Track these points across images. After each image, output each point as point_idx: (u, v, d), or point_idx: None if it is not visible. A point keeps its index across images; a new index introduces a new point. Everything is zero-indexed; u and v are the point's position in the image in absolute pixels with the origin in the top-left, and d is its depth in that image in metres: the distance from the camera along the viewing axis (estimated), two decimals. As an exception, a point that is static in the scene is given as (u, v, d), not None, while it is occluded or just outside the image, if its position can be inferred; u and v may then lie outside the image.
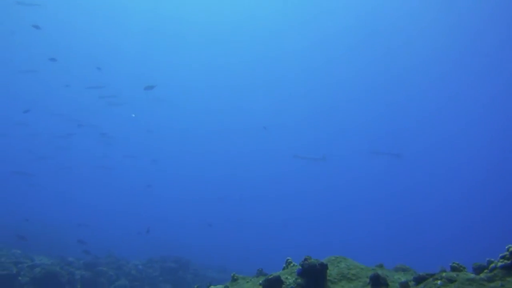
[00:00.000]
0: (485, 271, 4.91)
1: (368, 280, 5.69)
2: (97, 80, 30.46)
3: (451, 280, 4.89)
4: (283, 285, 6.00)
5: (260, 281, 6.16)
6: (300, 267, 5.97)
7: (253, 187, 43.09)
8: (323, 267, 5.81)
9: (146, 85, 20.68)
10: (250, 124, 46.48)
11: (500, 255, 4.77)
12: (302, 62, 50.05)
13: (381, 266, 7.14)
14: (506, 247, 4.72)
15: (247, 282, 7.32)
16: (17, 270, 15.60)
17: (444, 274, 5.04)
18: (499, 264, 4.71)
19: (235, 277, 7.77)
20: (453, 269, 5.36)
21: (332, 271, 6.22)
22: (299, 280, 5.92)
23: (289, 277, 6.28)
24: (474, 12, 42.18)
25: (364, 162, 42.11)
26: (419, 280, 5.33)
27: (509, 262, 4.63)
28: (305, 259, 5.99)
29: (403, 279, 6.34)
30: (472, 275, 4.92)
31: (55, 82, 36.97)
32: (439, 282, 4.95)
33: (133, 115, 41.79)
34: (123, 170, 36.89)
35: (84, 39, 44.52)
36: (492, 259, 4.89)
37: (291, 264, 7.47)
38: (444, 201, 46.01)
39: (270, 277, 6.14)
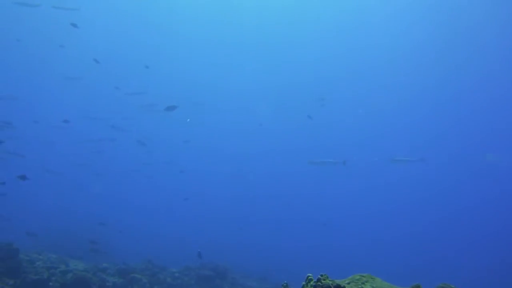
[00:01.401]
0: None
1: (396, 308, 4.58)
2: (139, 85, 30.78)
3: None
4: (293, 310, 5.03)
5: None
6: (313, 289, 4.96)
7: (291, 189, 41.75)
8: (339, 290, 4.77)
9: (169, 105, 20.22)
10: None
11: None
12: (325, 68, 48.94)
13: (417, 287, 5.96)
14: None
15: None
16: (49, 275, 15.48)
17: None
18: None
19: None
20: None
21: (354, 294, 5.15)
22: (311, 305, 4.90)
23: (301, 300, 5.29)
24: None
25: (388, 169, 39.82)
26: (462, 311, 4.16)
27: None
28: (319, 280, 4.98)
29: (443, 307, 5.18)
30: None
31: (99, 86, 38.01)
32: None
33: (188, 120, 41.78)
34: (161, 177, 36.90)
35: (128, 44, 45.37)
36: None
37: (312, 282, 6.46)
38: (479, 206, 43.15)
39: (277, 299, 5.17)
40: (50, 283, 15.36)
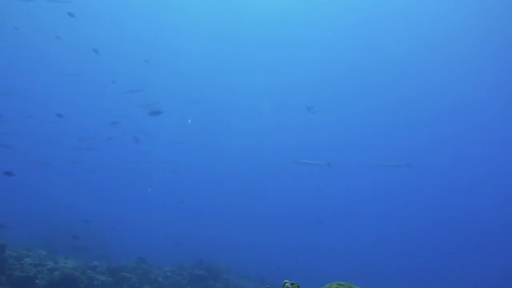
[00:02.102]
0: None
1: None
2: (138, 81, 30.28)
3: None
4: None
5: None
6: (281, 299, 4.53)
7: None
8: (308, 301, 4.33)
9: (152, 110, 19.49)
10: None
11: None
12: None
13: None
14: None
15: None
16: (35, 273, 15.10)
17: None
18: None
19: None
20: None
21: (328, 305, 4.72)
22: (278, 317, 4.48)
23: (270, 310, 4.86)
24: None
25: (373, 173, 39.21)
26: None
27: None
28: (288, 289, 4.54)
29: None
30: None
31: (96, 81, 37.57)
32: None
33: (189, 121, 41.18)
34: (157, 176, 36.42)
35: (126, 38, 44.84)
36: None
37: (288, 290, 6.04)
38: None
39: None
40: (37, 281, 14.99)
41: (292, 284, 4.66)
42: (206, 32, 47.57)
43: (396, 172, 35.65)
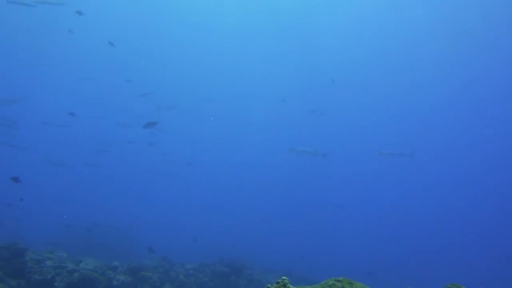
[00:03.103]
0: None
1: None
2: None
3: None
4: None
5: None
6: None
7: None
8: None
9: (148, 121, 18.87)
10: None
11: None
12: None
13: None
14: None
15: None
16: (53, 275, 15.10)
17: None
18: None
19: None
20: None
21: (323, 304, 4.27)
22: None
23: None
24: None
25: (373, 163, 38.01)
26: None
27: None
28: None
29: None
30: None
31: (110, 83, 37.60)
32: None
33: (211, 118, 41.16)
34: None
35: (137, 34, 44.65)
36: None
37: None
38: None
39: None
40: (55, 283, 15.04)
41: (277, 282, 4.26)
42: (219, 27, 47.21)
43: (397, 162, 34.73)
